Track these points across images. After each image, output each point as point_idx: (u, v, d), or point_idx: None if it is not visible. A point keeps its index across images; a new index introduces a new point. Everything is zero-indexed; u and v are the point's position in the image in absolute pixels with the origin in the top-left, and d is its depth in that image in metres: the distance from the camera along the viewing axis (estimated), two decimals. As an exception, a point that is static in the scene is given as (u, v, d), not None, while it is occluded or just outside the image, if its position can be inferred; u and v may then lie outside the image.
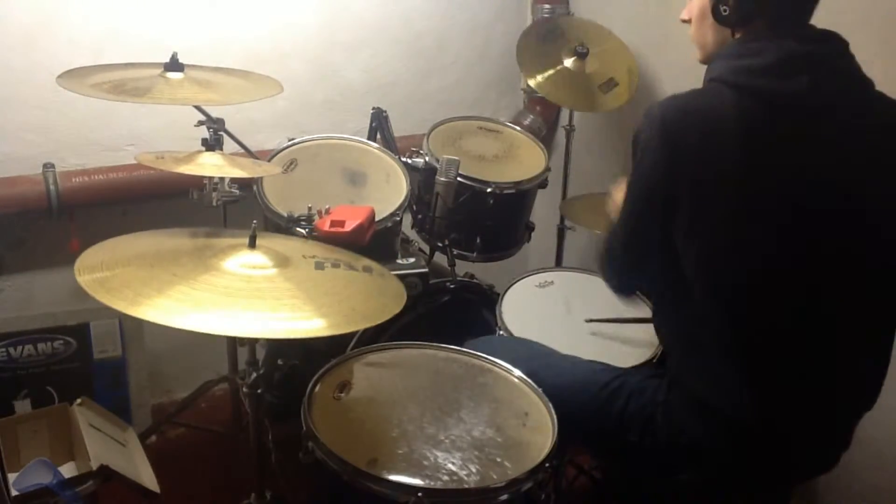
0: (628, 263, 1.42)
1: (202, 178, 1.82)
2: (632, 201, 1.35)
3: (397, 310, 1.34)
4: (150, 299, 1.17)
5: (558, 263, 2.64)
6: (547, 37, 2.43)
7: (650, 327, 1.78)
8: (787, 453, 1.37)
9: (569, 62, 2.35)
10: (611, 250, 1.43)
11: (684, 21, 1.45)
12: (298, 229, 1.82)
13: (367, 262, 1.54)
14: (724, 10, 1.32)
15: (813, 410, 1.34)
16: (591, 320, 1.82)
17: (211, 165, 1.61)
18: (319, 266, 1.40)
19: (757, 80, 1.25)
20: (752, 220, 1.26)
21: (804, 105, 1.25)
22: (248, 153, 2.03)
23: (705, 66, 1.38)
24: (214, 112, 1.89)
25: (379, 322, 1.30)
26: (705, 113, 1.27)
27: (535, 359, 1.58)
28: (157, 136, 2.24)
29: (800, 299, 1.29)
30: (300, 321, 1.21)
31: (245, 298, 1.22)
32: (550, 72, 2.33)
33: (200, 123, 1.87)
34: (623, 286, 1.49)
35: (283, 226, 1.84)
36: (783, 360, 1.31)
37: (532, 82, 2.32)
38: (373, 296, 1.38)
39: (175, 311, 1.16)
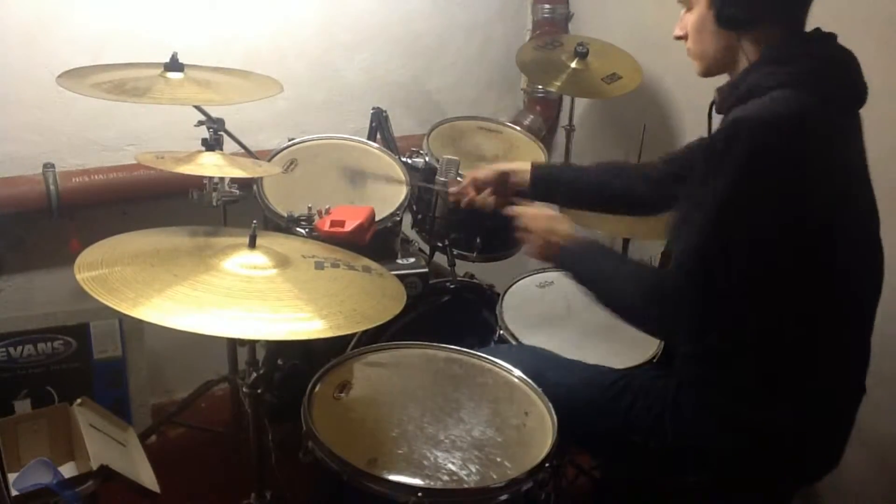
0: (700, 301, 1.24)
1: (202, 178, 1.82)
2: (732, 225, 1.20)
3: (397, 310, 1.34)
4: (150, 300, 1.17)
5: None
6: (546, 46, 2.44)
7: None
8: (802, 454, 1.37)
9: (573, 63, 2.36)
10: (679, 290, 1.24)
11: (678, 38, 1.42)
12: (298, 229, 1.82)
13: (365, 261, 1.54)
14: (732, 13, 1.29)
15: (827, 407, 1.35)
16: None
17: (211, 165, 1.61)
18: (319, 266, 1.40)
19: (822, 83, 1.24)
20: (841, 224, 1.26)
21: (856, 105, 1.28)
22: (248, 153, 2.03)
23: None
24: (214, 112, 1.89)
25: (380, 322, 1.30)
26: (804, 123, 1.21)
27: (541, 361, 1.58)
28: (157, 136, 2.24)
29: (832, 297, 1.29)
30: (301, 322, 1.21)
31: (245, 299, 1.22)
32: (563, 76, 2.35)
33: (200, 123, 1.87)
34: (689, 329, 1.30)
35: (283, 226, 1.84)
36: (806, 361, 1.31)
37: (553, 88, 2.37)
38: (373, 296, 1.38)
39: (175, 313, 1.16)
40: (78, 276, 1.21)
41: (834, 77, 1.27)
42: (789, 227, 1.20)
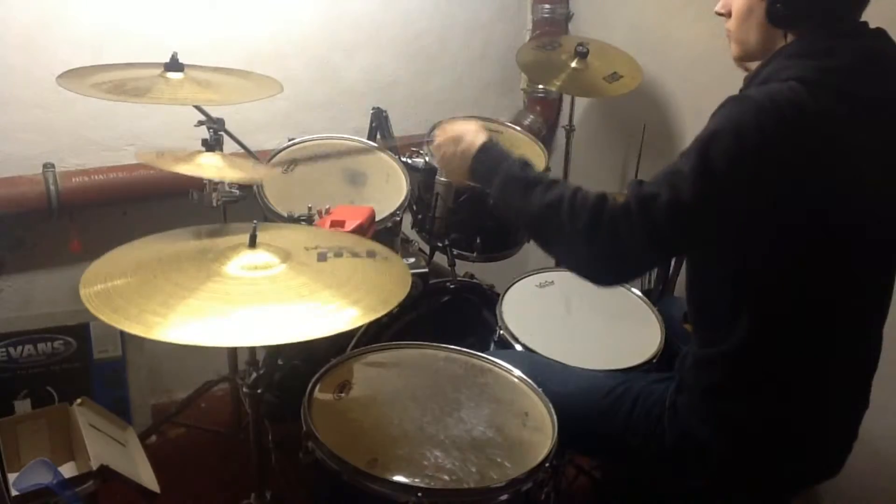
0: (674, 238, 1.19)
1: (202, 178, 1.82)
2: (722, 173, 1.15)
3: (403, 294, 1.28)
4: (156, 316, 1.16)
5: (558, 263, 2.64)
6: (546, 46, 2.44)
7: (650, 327, 1.80)
8: (799, 457, 1.37)
9: (573, 63, 2.36)
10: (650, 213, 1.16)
11: (719, 14, 1.35)
12: (298, 229, 1.82)
13: (370, 245, 1.48)
14: (781, 10, 1.23)
15: (827, 413, 1.34)
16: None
17: (210, 167, 1.61)
18: (322, 257, 1.37)
19: (837, 80, 1.20)
20: (833, 222, 1.22)
21: (886, 104, 1.23)
22: (248, 153, 2.03)
23: (738, 62, 1.35)
24: (214, 112, 1.89)
25: (394, 307, 1.24)
26: (809, 112, 1.17)
27: (538, 369, 1.57)
28: (157, 136, 2.24)
29: (833, 299, 1.27)
30: (303, 323, 1.20)
31: (249, 304, 1.20)
32: (563, 75, 2.35)
33: (200, 123, 1.87)
34: (638, 270, 1.31)
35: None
36: (803, 362, 1.30)
37: (554, 87, 2.38)
38: (382, 282, 1.32)
39: (182, 326, 1.15)
40: (82, 292, 1.19)
41: (861, 74, 1.22)
42: (767, 211, 1.18)
